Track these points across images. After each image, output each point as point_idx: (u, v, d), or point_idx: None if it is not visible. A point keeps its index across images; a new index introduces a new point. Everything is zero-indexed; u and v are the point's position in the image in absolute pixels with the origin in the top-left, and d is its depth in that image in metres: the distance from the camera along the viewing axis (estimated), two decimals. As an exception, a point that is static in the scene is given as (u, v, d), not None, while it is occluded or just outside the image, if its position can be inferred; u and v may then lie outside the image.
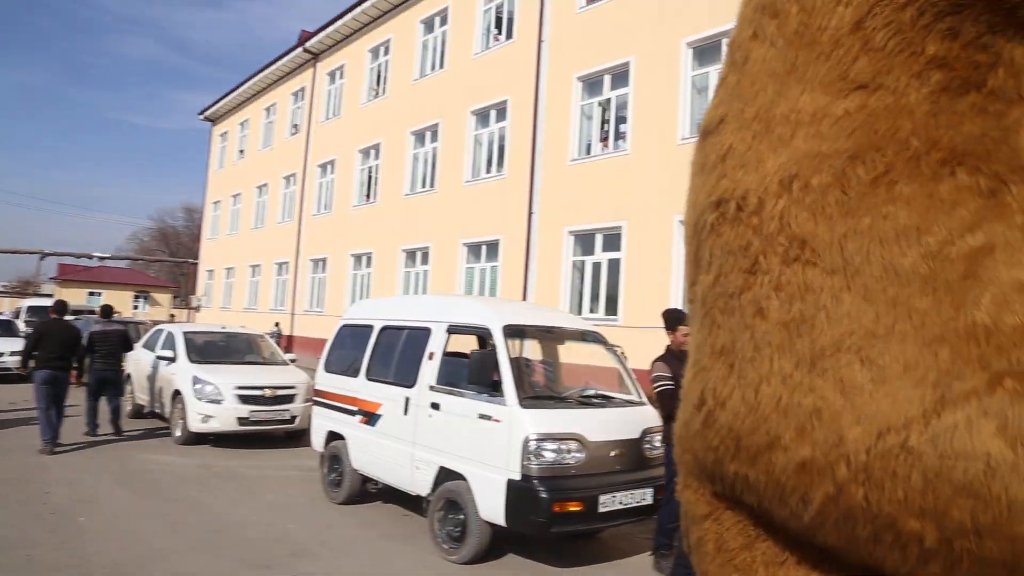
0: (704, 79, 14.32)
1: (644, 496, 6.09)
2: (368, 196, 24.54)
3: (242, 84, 33.26)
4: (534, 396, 6.33)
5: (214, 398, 10.62)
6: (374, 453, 7.41)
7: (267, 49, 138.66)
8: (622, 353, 7.49)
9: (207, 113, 37.69)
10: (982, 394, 0.97)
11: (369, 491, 7.90)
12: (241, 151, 34.67)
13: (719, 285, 1.24)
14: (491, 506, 5.89)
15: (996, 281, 1.03)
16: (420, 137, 22.12)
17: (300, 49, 28.39)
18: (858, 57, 1.16)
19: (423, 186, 21.71)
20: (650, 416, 6.52)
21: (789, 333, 1.12)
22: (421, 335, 7.17)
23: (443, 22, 21.73)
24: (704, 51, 14.32)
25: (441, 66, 21.56)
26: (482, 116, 19.75)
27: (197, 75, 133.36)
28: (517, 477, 5.70)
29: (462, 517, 6.16)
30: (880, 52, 1.15)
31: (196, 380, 10.81)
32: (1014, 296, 1.02)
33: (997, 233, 1.06)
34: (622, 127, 15.87)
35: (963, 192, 1.08)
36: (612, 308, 15.18)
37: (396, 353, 7.50)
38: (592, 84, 16.66)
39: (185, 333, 12.17)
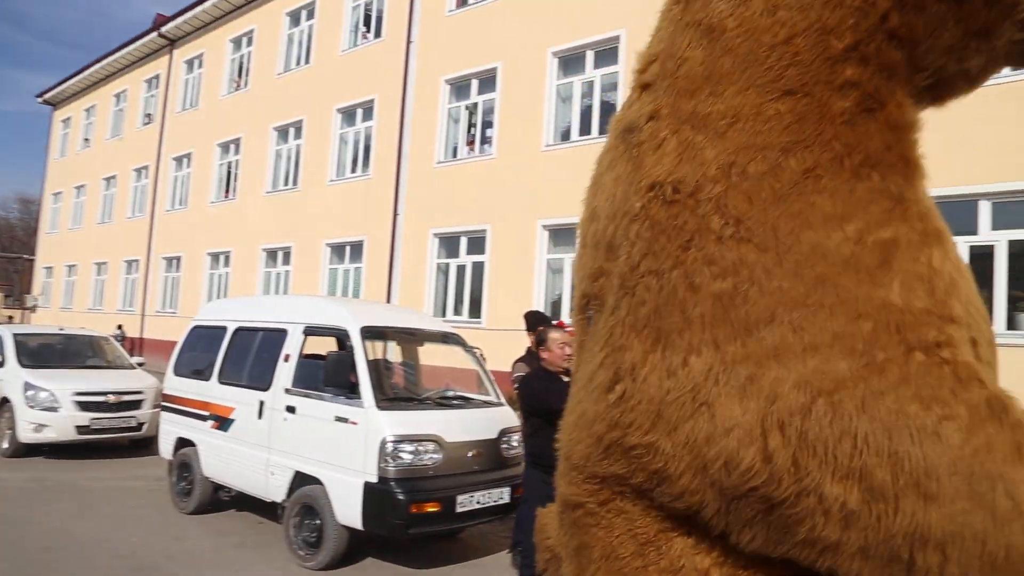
0: (568, 88, 14.73)
1: (502, 495, 6.20)
2: (227, 192, 23.50)
3: (88, 67, 30.95)
4: (392, 398, 6.31)
5: (49, 406, 9.83)
6: (227, 459, 7.14)
7: (119, 30, 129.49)
8: (481, 355, 7.59)
9: (47, 96, 34.80)
10: (900, 363, 1.08)
11: (221, 499, 7.59)
12: (87, 139, 32.28)
13: (645, 263, 1.29)
14: (348, 510, 5.82)
15: (903, 270, 1.17)
16: (283, 133, 21.44)
17: (155, 34, 26.78)
18: (789, 67, 1.31)
19: (286, 184, 21.06)
20: (508, 416, 6.65)
21: (722, 305, 1.18)
22: (277, 337, 6.97)
23: (310, 16, 21.17)
24: (569, 61, 14.74)
25: (307, 61, 20.99)
26: (348, 114, 19.41)
27: (35, 53, 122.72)
28: (374, 480, 5.67)
29: (318, 522, 6.05)
30: (807, 67, 1.30)
31: (28, 386, 9.96)
32: (917, 284, 1.17)
33: (902, 232, 1.21)
34: (488, 131, 16.06)
35: (876, 193, 1.22)
36: (476, 311, 15.32)
37: (251, 355, 7.26)
38: (460, 87, 16.76)
39: (15, 335, 11.17)
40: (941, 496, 0.99)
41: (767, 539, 1.16)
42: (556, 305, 14.27)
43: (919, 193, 1.30)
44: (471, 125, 16.63)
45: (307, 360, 6.79)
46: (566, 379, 4.83)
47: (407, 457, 5.75)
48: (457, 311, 15.86)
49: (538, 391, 5.03)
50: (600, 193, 1.55)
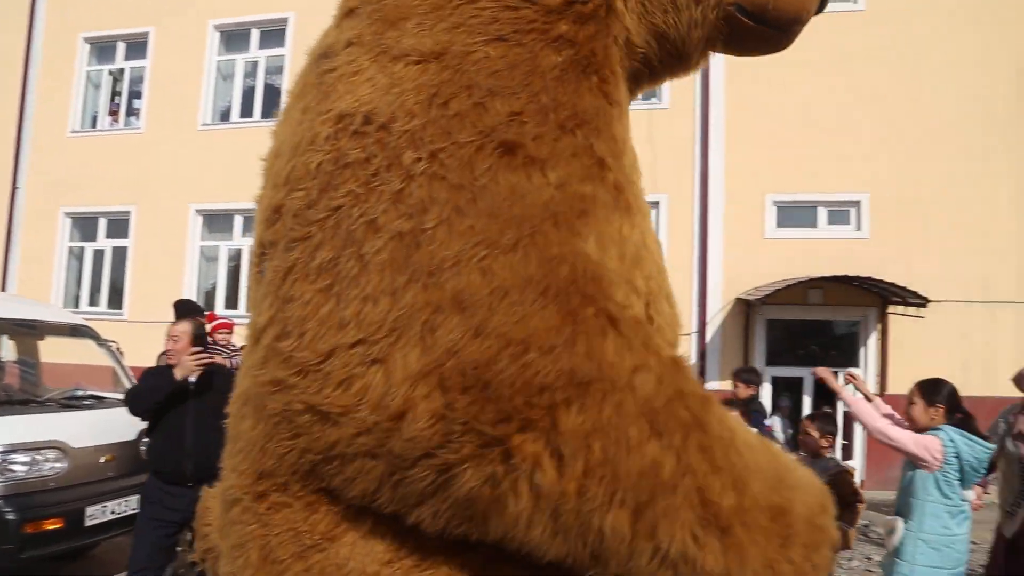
0: (230, 66, 13.87)
1: (141, 502, 5.63)
2: None
3: None
4: (4, 401, 5.39)
5: None
6: None
7: None
8: (118, 349, 6.83)
9: None
10: (595, 312, 1.03)
11: None
12: None
13: (324, 200, 1.14)
14: (-65, 538, 4.82)
15: (598, 229, 1.14)
16: None
17: None
18: (504, 11, 1.24)
19: None
20: (150, 416, 6.05)
21: (405, 247, 1.06)
22: None
23: None
24: (232, 37, 13.87)
25: None
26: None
27: None
28: (-23, 499, 4.77)
29: None
30: (522, 15, 1.24)
31: None
32: (610, 245, 1.15)
33: (600, 193, 1.18)
34: (136, 103, 14.47)
35: (580, 150, 1.19)
36: (117, 301, 13.73)
37: None
38: (103, 49, 14.84)
39: None
40: (635, 442, 0.99)
41: (450, 517, 1.08)
42: (210, 295, 13.36)
43: (621, 163, 1.30)
44: (115, 93, 14.83)
45: None
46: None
47: (19, 469, 4.93)
48: (93, 301, 14.05)
49: (138, 389, 4.57)
50: (287, 125, 1.38)
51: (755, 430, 1.19)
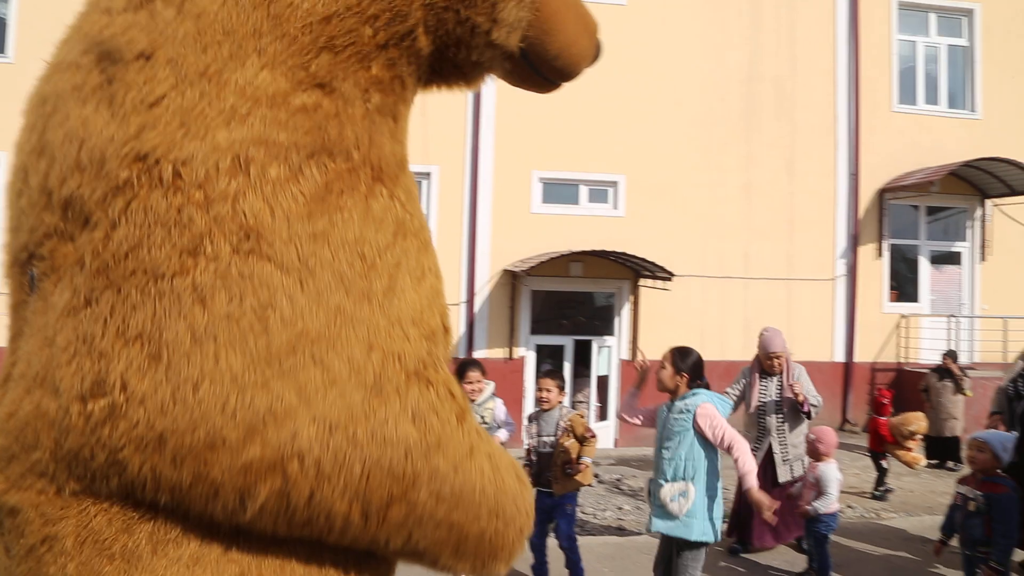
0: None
1: None
2: None
3: None
4: None
5: None
6: None
7: None
8: None
9: None
10: (402, 392, 1.14)
11: None
12: None
13: (136, 260, 1.06)
14: None
15: (405, 293, 1.18)
16: None
17: None
18: (321, 52, 1.15)
19: None
20: None
21: (240, 329, 1.05)
22: None
23: None
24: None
25: None
26: None
27: None
28: None
29: None
30: (339, 56, 1.16)
31: None
32: (416, 304, 1.21)
33: (408, 249, 1.21)
34: None
35: (387, 212, 1.18)
36: None
37: None
38: None
39: None
40: (444, 497, 1.18)
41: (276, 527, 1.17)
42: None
43: (415, 203, 1.32)
44: None
45: None
46: None
47: None
48: None
49: None
50: (58, 122, 1.19)
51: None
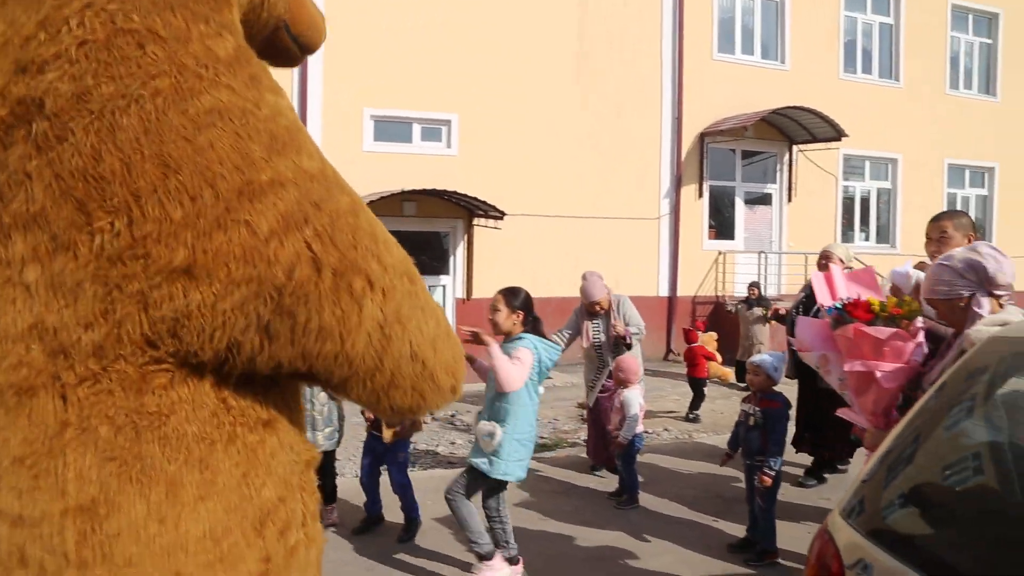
0: None
1: None
2: None
3: None
4: None
5: None
6: None
7: None
8: None
9: None
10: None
11: None
12: None
13: (107, 87, 1.10)
14: None
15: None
16: None
17: None
18: None
19: None
20: None
21: (229, 137, 1.13)
22: None
23: None
24: None
25: None
26: None
27: None
28: None
29: None
30: None
31: None
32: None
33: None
34: None
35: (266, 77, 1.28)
36: None
37: None
38: None
39: None
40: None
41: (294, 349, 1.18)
42: None
43: None
44: None
45: None
46: None
47: None
48: None
49: None
50: None
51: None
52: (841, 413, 3.37)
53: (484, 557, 4.11)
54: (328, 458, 4.92)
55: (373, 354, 1.17)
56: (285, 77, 11.11)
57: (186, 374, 1.11)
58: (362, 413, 5.07)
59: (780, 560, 4.41)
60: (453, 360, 1.30)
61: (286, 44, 1.56)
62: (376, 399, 1.24)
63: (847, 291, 3.37)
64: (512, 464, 4.08)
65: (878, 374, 2.87)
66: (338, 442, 5.01)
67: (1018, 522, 1.82)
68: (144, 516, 1.05)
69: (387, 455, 4.90)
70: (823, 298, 3.50)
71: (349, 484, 5.58)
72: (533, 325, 4.25)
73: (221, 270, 1.06)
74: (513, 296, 4.24)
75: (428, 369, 1.24)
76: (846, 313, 3.03)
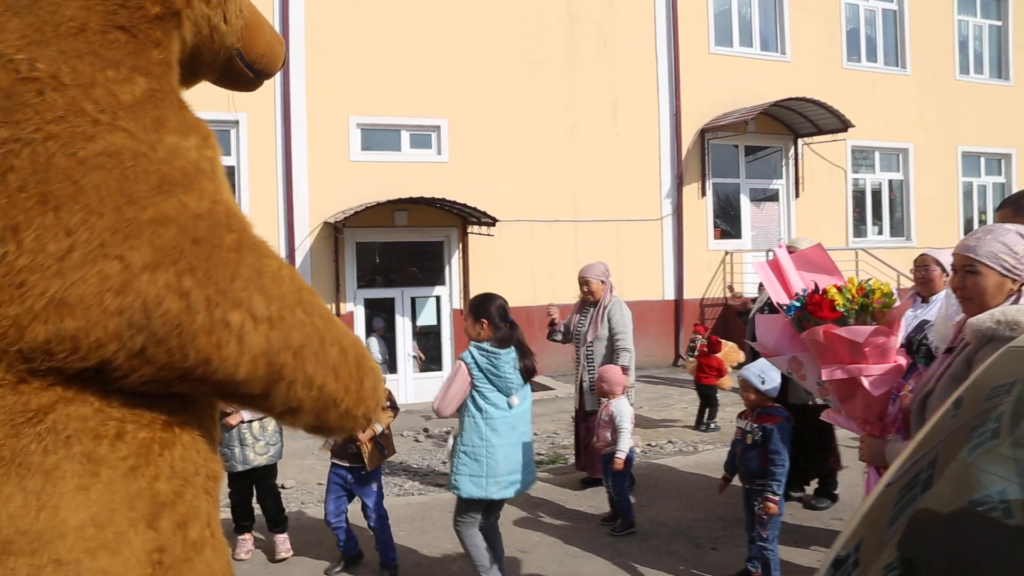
0: None
1: None
2: None
3: None
4: None
5: None
6: None
7: None
8: None
9: None
10: (241, 236, 1.33)
11: None
12: None
13: (4, 132, 1.22)
14: None
15: (219, 181, 1.49)
16: None
17: None
18: (120, 9, 1.40)
19: None
20: None
21: (113, 177, 1.19)
22: None
23: None
24: None
25: None
26: None
27: None
28: None
29: None
30: (134, 11, 1.44)
31: None
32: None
33: (213, 152, 1.50)
34: None
35: (193, 121, 1.46)
36: None
37: None
38: None
39: None
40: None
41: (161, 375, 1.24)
42: None
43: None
44: None
45: None
46: None
47: None
48: None
49: None
50: None
51: None
52: (826, 417, 2.92)
53: None
54: (266, 473, 4.67)
55: (261, 380, 1.24)
56: (267, 88, 10.82)
57: (68, 377, 1.17)
58: (325, 443, 4.64)
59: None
60: (360, 385, 1.36)
61: (240, 71, 1.70)
62: (284, 420, 1.35)
63: (801, 281, 2.91)
64: (462, 478, 3.75)
65: (864, 381, 2.42)
66: (278, 454, 4.70)
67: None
68: (22, 504, 1.11)
69: (362, 487, 4.42)
70: (777, 295, 3.02)
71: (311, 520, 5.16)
72: (510, 331, 3.85)
73: (94, 300, 1.12)
74: (474, 306, 3.92)
75: (327, 395, 1.31)
76: (808, 314, 2.57)
